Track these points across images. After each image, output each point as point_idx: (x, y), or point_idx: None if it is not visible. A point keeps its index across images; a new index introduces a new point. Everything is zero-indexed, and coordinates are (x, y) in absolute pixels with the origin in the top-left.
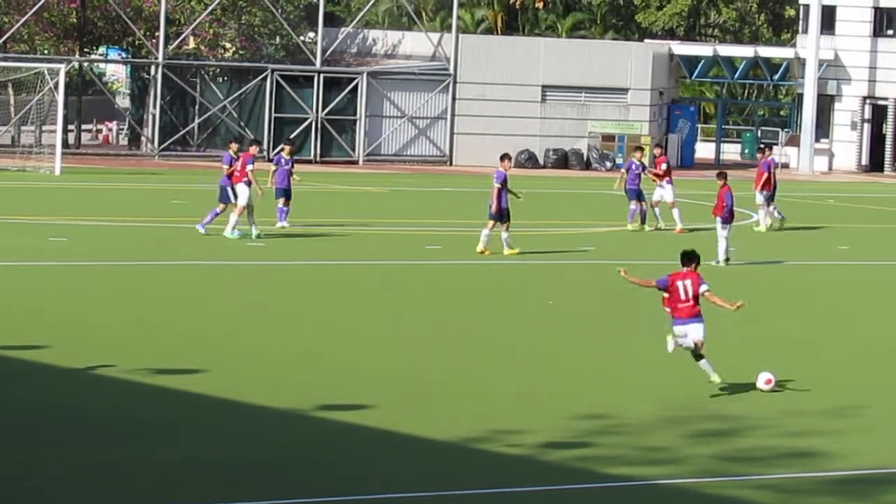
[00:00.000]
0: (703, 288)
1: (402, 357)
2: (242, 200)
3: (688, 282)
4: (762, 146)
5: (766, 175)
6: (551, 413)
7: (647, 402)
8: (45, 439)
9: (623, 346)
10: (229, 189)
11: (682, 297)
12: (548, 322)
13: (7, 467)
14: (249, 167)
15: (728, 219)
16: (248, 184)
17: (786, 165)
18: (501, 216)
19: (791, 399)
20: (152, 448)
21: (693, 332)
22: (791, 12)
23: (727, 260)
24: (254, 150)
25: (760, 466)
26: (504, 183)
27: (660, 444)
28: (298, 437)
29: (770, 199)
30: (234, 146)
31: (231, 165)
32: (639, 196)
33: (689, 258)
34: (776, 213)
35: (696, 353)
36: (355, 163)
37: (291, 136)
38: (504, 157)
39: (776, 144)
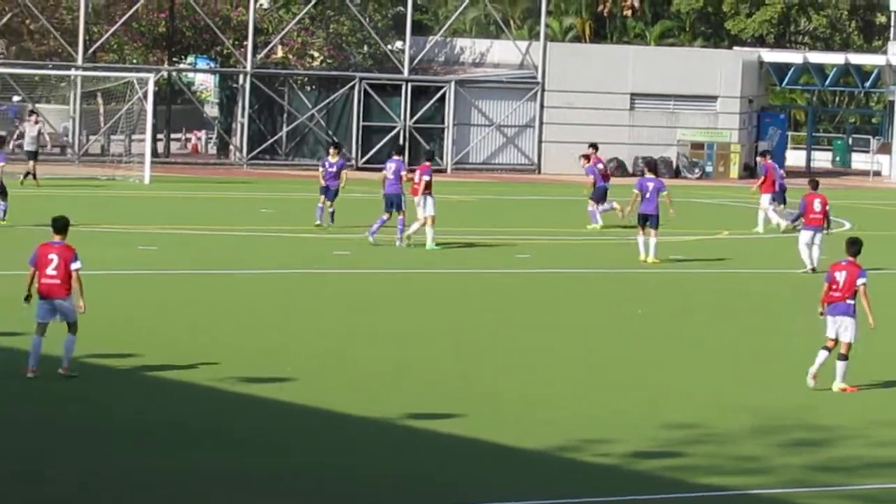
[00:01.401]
0: (860, 281)
1: (489, 366)
2: (431, 210)
3: (844, 273)
4: (764, 152)
5: (763, 178)
6: (639, 422)
7: (736, 411)
8: (140, 448)
9: (715, 355)
10: (402, 197)
11: (835, 287)
12: (639, 331)
13: (105, 476)
14: (426, 178)
15: (817, 225)
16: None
17: (878, 174)
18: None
19: (883, 409)
20: (243, 458)
21: (844, 328)
22: (882, 19)
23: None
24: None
25: (852, 477)
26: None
27: (750, 453)
28: (388, 447)
29: (776, 200)
30: (333, 151)
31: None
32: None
33: (852, 245)
34: (784, 213)
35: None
36: (443, 171)
37: (381, 143)
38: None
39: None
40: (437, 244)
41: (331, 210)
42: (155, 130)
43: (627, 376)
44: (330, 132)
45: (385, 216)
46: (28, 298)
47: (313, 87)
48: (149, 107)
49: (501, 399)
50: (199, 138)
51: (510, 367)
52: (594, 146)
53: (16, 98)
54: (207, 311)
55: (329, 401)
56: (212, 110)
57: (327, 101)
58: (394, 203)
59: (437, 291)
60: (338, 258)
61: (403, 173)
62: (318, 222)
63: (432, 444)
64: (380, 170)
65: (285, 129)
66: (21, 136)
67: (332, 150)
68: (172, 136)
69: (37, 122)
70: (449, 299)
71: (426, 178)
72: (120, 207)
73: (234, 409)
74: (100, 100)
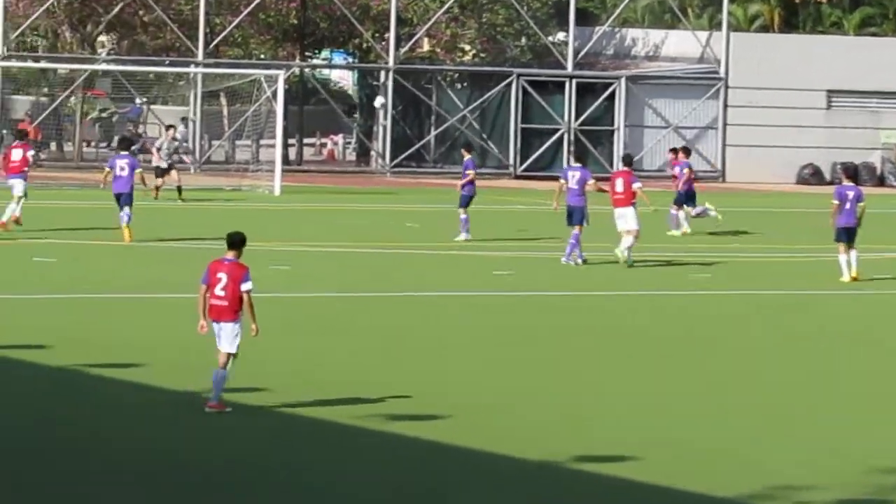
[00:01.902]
0: None
1: (672, 405)
2: (634, 224)
3: None
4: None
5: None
6: (848, 465)
7: None
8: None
9: None
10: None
11: None
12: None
13: None
14: (638, 185)
15: None
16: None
17: None
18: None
19: None
20: None
21: None
22: None
23: None
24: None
25: None
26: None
27: None
28: (553, 494)
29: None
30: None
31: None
32: None
33: None
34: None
35: None
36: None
37: (542, 147)
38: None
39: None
40: (627, 261)
41: (463, 217)
42: (286, 134)
43: (838, 414)
44: (484, 136)
45: (577, 231)
46: (203, 327)
47: (464, 84)
48: (279, 108)
49: (689, 447)
50: (335, 143)
51: (693, 405)
52: (685, 150)
53: (138, 101)
54: (351, 337)
55: (489, 443)
56: (350, 111)
57: (480, 100)
58: (575, 216)
59: (597, 314)
60: (498, 279)
61: (591, 182)
62: (461, 237)
63: (610, 489)
64: (542, 178)
65: (433, 132)
66: (137, 141)
67: (463, 150)
68: (305, 140)
69: (174, 139)
70: (617, 323)
71: (637, 185)
72: (247, 221)
73: (377, 451)
74: (223, 100)
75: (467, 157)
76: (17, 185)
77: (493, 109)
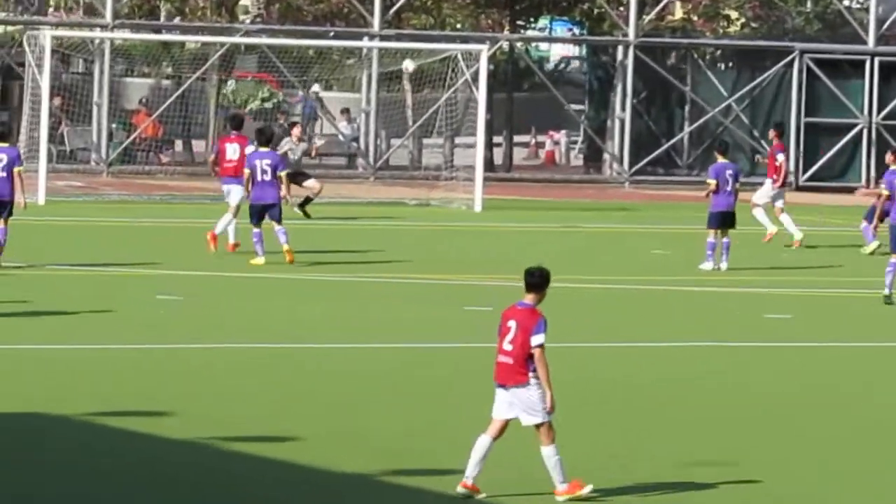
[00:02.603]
0: None
1: None
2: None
3: None
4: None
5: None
6: None
7: None
8: None
9: None
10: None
11: None
12: None
13: None
14: None
15: None
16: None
17: None
18: None
19: None
20: None
21: None
22: None
23: None
24: None
25: None
26: None
27: None
28: None
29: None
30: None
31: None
32: None
33: None
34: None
35: None
36: None
37: (833, 149)
38: None
39: None
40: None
41: (724, 241)
42: (490, 131)
43: None
44: (754, 132)
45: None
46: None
47: (730, 64)
48: (481, 95)
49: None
50: (556, 143)
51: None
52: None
53: (314, 88)
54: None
55: None
56: (575, 100)
57: (751, 85)
58: None
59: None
60: (775, 324)
61: None
62: (707, 264)
63: None
64: (832, 190)
65: (687, 128)
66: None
67: (716, 153)
68: (515, 139)
69: (301, 140)
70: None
71: None
72: (438, 246)
73: None
74: (406, 84)
75: (720, 160)
76: (235, 193)
77: (767, 98)
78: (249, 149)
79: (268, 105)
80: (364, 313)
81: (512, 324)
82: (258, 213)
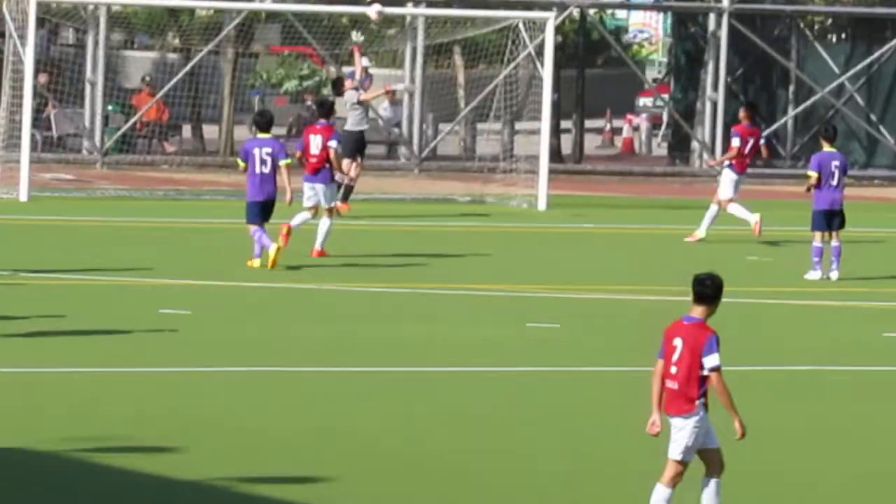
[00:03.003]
0: None
1: None
2: None
3: None
4: None
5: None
6: None
7: None
8: None
9: None
10: None
11: None
12: None
13: None
14: None
15: None
16: None
17: None
18: None
19: None
20: None
21: None
22: None
23: None
24: None
25: None
26: None
27: None
28: None
29: None
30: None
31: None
32: None
33: None
34: None
35: None
36: None
37: None
38: None
39: None
40: None
41: (834, 245)
42: (557, 115)
43: None
44: (872, 117)
45: None
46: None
47: (843, 36)
48: (546, 72)
49: None
50: (635, 127)
51: None
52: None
53: (364, 62)
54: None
55: None
56: (658, 76)
57: (868, 61)
58: None
59: None
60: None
61: None
62: (814, 273)
63: None
64: None
65: (791, 111)
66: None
67: (821, 139)
68: (587, 124)
69: (393, 101)
70: None
71: None
72: (494, 252)
73: None
74: (458, 59)
75: (826, 148)
76: (319, 192)
77: (886, 76)
78: (333, 143)
79: (308, 84)
80: (406, 331)
81: (678, 342)
82: (258, 212)
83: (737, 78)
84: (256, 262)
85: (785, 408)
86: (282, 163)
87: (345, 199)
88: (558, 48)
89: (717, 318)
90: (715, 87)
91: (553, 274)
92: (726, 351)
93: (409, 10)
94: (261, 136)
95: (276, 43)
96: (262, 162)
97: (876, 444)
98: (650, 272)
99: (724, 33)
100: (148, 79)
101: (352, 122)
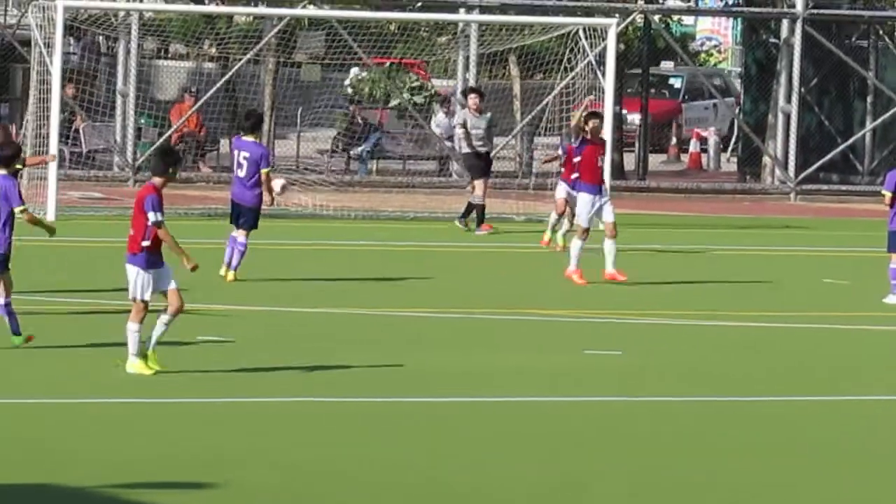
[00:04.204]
0: None
1: None
2: None
3: None
4: None
5: None
6: None
7: None
8: None
9: None
10: None
11: None
12: None
13: None
14: None
15: None
16: None
17: None
18: None
19: None
20: None
21: None
22: None
23: None
24: None
25: None
26: None
27: None
28: None
29: None
30: None
31: None
32: None
33: None
34: None
35: None
36: None
37: None
38: None
39: None
40: None
41: (892, 267)
42: (620, 125)
43: None
44: None
45: None
46: None
47: None
48: (608, 82)
49: None
50: (703, 143)
51: None
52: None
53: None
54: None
55: None
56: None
57: None
58: None
59: None
60: None
61: None
62: (893, 297)
63: None
64: None
65: (870, 124)
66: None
67: None
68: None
69: (481, 110)
70: None
71: None
72: (551, 273)
73: None
74: (513, 70)
75: None
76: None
77: None
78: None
79: (418, 99)
80: (459, 359)
81: None
82: (232, 214)
83: (811, 88)
84: (223, 271)
85: (864, 438)
86: (263, 171)
87: (480, 221)
88: (621, 56)
89: (794, 340)
90: (788, 99)
91: (614, 297)
92: (800, 380)
93: (461, 16)
94: (244, 138)
95: (320, 51)
96: (239, 165)
97: None
98: (720, 296)
99: (797, 41)
100: (191, 90)
101: (484, 128)
